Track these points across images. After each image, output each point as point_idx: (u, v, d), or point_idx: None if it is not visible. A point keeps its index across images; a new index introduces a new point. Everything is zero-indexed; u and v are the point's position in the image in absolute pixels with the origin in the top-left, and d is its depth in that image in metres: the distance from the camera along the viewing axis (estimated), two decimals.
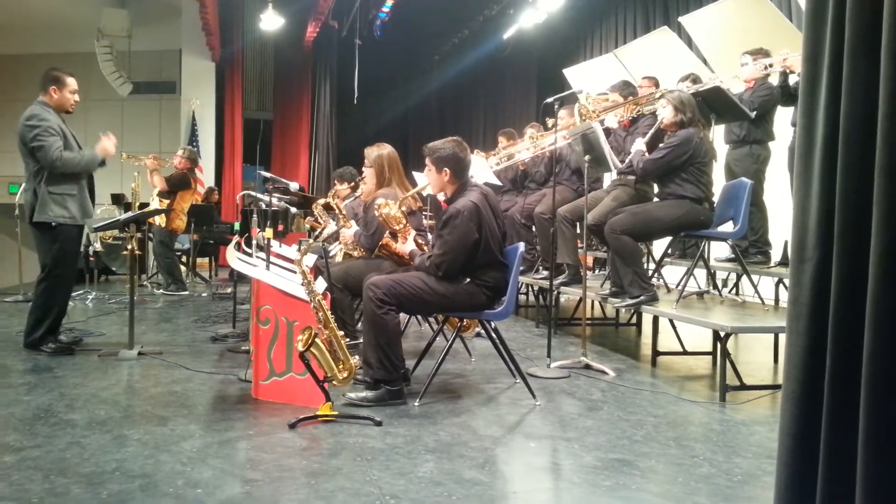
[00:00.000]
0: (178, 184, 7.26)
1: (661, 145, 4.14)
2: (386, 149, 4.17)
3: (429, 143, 3.49)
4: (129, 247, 4.36)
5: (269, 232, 3.73)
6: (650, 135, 4.26)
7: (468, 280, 3.31)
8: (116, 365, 3.97)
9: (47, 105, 4.23)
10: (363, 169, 4.26)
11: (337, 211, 4.52)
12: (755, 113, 4.69)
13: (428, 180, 3.54)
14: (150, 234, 7.52)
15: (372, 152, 4.16)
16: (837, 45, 1.57)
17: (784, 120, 4.88)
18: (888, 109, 1.37)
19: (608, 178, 5.75)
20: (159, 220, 7.14)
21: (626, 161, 4.31)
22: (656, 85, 5.83)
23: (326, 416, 2.94)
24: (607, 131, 5.16)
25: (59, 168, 4.09)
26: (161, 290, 7.28)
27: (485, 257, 3.32)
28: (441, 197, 3.64)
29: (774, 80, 4.74)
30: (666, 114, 4.13)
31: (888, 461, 1.35)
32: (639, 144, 4.23)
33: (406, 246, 3.64)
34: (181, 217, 7.33)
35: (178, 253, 8.63)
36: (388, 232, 3.80)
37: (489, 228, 3.31)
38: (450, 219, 3.27)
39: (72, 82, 4.31)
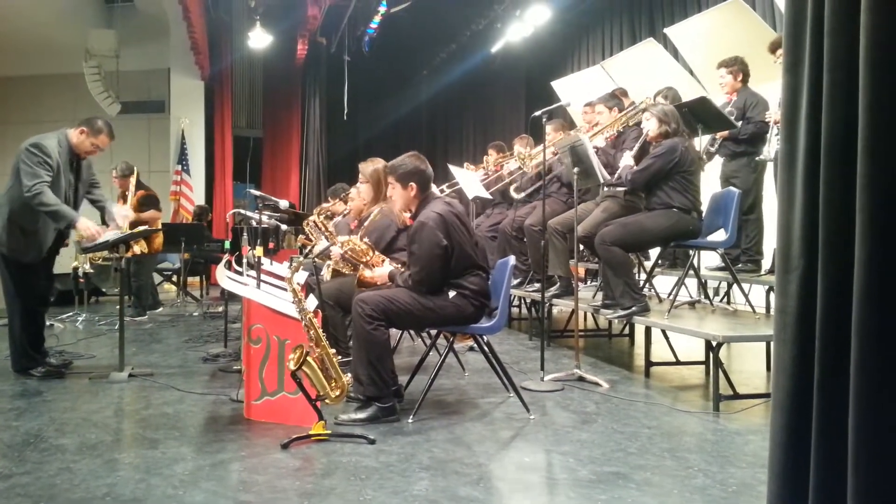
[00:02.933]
0: (155, 204, 7.10)
1: (647, 156, 4.17)
2: (380, 163, 4.18)
3: (388, 163, 3.50)
4: (120, 267, 4.33)
5: (259, 250, 3.72)
6: (637, 148, 4.29)
7: (454, 293, 3.31)
8: (107, 387, 3.94)
9: (66, 139, 4.15)
10: (358, 185, 4.27)
11: (322, 228, 4.51)
12: (745, 126, 4.73)
13: (394, 199, 3.50)
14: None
15: (367, 168, 4.17)
16: (817, 57, 1.59)
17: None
18: (868, 120, 1.38)
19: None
20: (139, 249, 6.90)
21: (616, 175, 4.33)
22: (625, 95, 5.88)
23: (319, 435, 2.92)
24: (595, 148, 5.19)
25: (32, 200, 3.93)
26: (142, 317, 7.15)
27: (462, 263, 3.33)
28: (407, 215, 3.61)
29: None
30: (651, 126, 4.17)
31: (878, 470, 1.35)
32: (626, 159, 4.26)
33: (382, 270, 3.57)
34: (159, 234, 7.17)
35: (169, 272, 8.55)
36: (362, 266, 3.73)
37: (459, 234, 3.32)
38: (416, 233, 3.29)
39: (102, 139, 4.21)
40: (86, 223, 4.09)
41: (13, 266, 4.13)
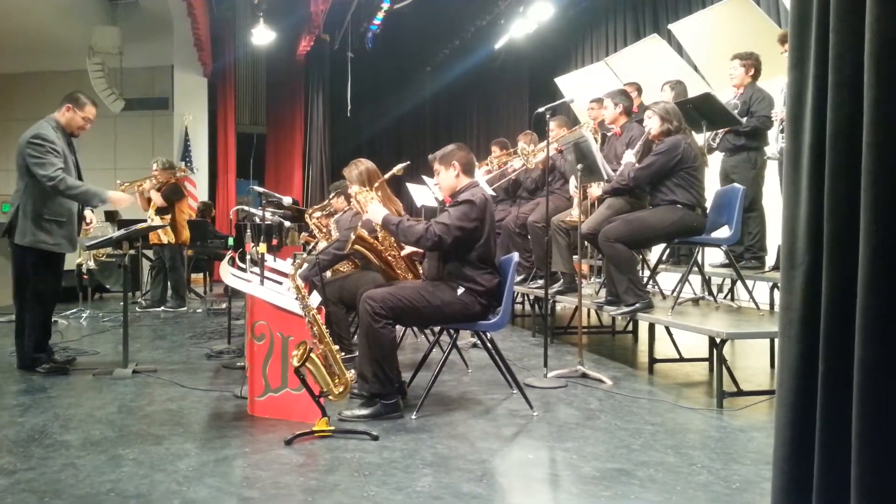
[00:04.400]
0: (173, 193, 7.24)
1: (650, 154, 4.16)
2: (363, 164, 4.15)
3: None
4: (123, 264, 4.34)
5: (262, 247, 3.73)
6: (639, 146, 4.28)
7: (462, 289, 3.31)
8: (111, 384, 3.95)
9: (57, 123, 4.19)
10: (349, 190, 4.25)
11: (318, 229, 4.51)
12: (748, 120, 4.71)
13: (440, 185, 3.57)
14: (150, 251, 7.51)
15: (352, 172, 4.12)
16: (822, 52, 1.58)
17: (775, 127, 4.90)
18: (873, 116, 1.38)
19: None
20: (167, 238, 7.09)
21: (619, 173, 4.32)
22: (639, 90, 5.87)
23: (323, 431, 2.92)
24: (603, 139, 5.19)
25: (58, 188, 3.99)
26: (151, 308, 7.24)
27: (486, 255, 3.36)
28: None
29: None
30: (653, 124, 4.16)
31: (882, 467, 1.34)
32: (628, 157, 4.25)
33: (372, 209, 3.46)
34: (186, 227, 7.33)
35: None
36: (360, 225, 3.75)
37: (491, 226, 3.39)
38: (463, 202, 3.32)
39: (89, 109, 4.27)
40: (117, 194, 4.22)
41: (41, 261, 4.13)
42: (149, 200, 7.20)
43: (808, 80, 1.61)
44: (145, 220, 6.82)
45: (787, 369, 1.60)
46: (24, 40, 9.87)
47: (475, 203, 3.30)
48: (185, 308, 7.25)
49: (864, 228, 1.38)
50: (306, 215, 5.21)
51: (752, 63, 4.85)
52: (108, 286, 8.27)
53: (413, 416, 3.24)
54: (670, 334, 4.69)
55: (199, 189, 10.78)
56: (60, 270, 4.40)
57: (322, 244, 4.72)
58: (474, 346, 4.97)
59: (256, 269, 3.68)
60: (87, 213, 4.37)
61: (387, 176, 3.80)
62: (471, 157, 3.55)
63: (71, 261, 6.84)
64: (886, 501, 1.34)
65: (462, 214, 3.28)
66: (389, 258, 3.73)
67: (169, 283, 7.38)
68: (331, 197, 5.34)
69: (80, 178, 4.32)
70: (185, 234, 7.34)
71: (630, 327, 5.85)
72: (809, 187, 1.57)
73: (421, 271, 3.73)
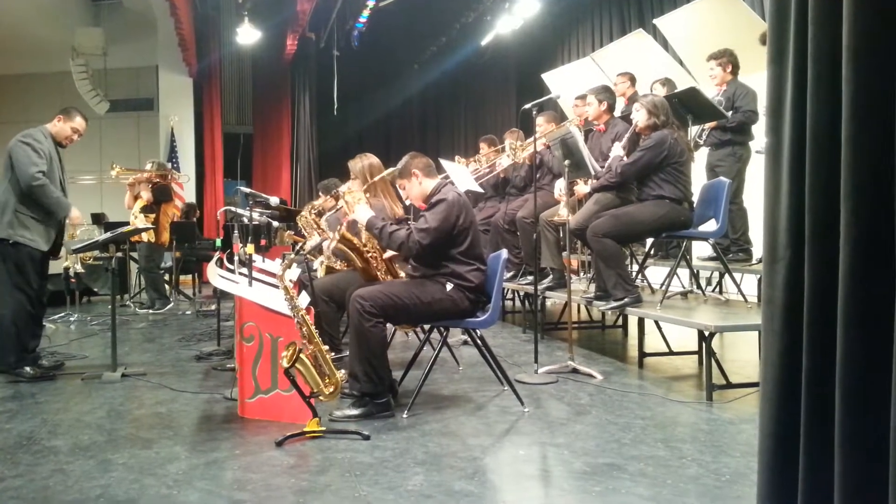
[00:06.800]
0: (162, 194, 7.23)
1: (637, 149, 4.18)
2: (369, 159, 4.16)
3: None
4: (110, 267, 4.33)
5: (250, 247, 3.71)
6: (626, 139, 4.30)
7: (451, 286, 3.32)
8: (100, 388, 3.92)
9: (48, 131, 4.33)
10: (349, 182, 4.24)
11: (314, 226, 4.50)
12: (733, 116, 4.74)
13: (411, 197, 3.59)
14: (135, 252, 7.49)
15: (356, 164, 4.15)
16: (801, 47, 1.59)
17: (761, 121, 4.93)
18: (851, 111, 1.39)
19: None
20: (146, 237, 7.08)
21: (606, 166, 4.33)
22: (632, 80, 5.88)
23: (314, 432, 2.92)
24: (587, 134, 5.20)
25: (34, 186, 4.09)
26: (147, 310, 7.22)
27: (470, 251, 3.36)
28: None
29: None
30: (640, 117, 4.17)
31: (864, 458, 1.35)
32: (616, 150, 4.26)
33: (359, 210, 3.47)
34: (167, 230, 7.32)
35: (161, 270, 8.57)
36: (344, 224, 3.75)
37: (471, 221, 3.39)
38: (436, 203, 3.34)
39: (79, 122, 4.43)
40: (76, 212, 4.35)
41: (20, 256, 4.15)
42: (136, 197, 7.19)
43: (788, 73, 1.62)
44: (131, 223, 6.83)
45: (771, 364, 1.61)
46: (6, 42, 9.77)
47: (448, 200, 3.32)
48: (171, 304, 7.24)
49: (844, 220, 1.39)
50: (306, 210, 5.20)
51: (728, 60, 4.89)
52: (95, 289, 8.22)
53: (404, 415, 3.24)
54: (659, 328, 4.72)
55: (186, 190, 10.72)
56: (45, 271, 4.38)
57: (312, 241, 4.70)
58: (465, 343, 4.97)
59: (244, 270, 3.66)
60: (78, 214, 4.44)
61: (386, 173, 3.80)
62: (426, 160, 3.56)
63: (58, 265, 6.81)
64: (870, 494, 1.35)
65: (439, 215, 3.29)
66: (370, 259, 3.73)
67: (147, 284, 7.38)
68: (335, 192, 5.33)
69: (63, 187, 4.40)
70: (166, 236, 7.35)
71: (619, 322, 5.88)
72: (790, 181, 1.58)
73: (402, 274, 3.74)
